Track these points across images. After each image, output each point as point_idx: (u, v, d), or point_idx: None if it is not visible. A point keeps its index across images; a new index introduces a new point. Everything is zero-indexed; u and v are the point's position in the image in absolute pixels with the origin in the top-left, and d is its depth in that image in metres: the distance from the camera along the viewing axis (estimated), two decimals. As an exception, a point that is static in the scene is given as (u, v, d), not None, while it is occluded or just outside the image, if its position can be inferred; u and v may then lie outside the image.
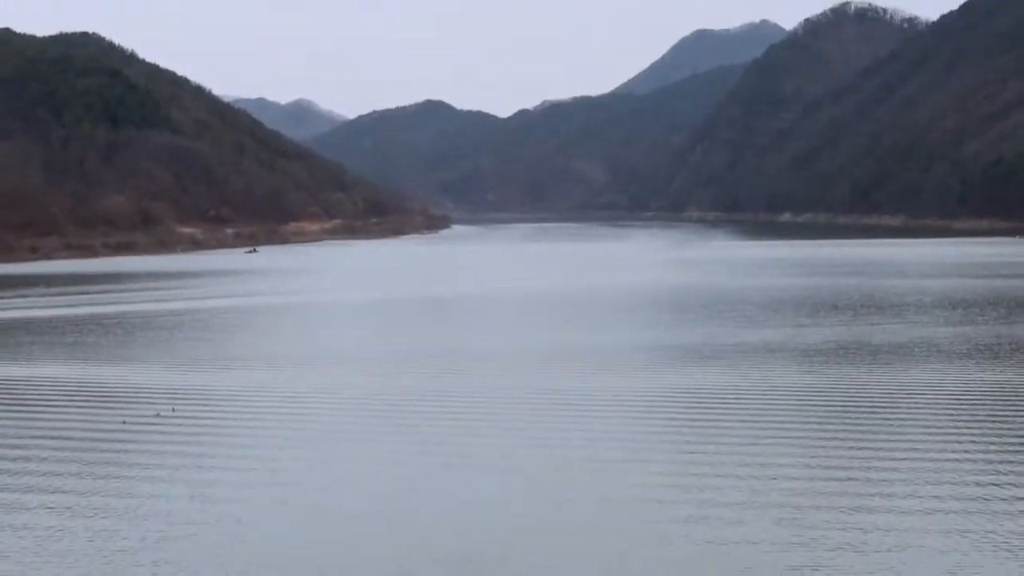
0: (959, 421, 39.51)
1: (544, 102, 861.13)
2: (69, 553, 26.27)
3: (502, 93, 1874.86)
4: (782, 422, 39.86)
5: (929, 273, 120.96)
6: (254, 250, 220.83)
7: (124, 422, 41.83)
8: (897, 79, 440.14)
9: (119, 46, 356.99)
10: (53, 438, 39.24)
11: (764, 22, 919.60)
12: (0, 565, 25.56)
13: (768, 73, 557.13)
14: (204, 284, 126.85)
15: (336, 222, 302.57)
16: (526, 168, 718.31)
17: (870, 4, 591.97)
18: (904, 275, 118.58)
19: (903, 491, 29.95)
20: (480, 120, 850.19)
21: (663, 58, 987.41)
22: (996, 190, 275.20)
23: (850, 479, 31.35)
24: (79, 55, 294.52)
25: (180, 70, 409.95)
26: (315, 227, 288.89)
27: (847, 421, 39.81)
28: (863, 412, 41.42)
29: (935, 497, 29.31)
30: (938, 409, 41.96)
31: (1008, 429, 37.95)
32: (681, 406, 43.59)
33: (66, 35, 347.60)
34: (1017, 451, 34.59)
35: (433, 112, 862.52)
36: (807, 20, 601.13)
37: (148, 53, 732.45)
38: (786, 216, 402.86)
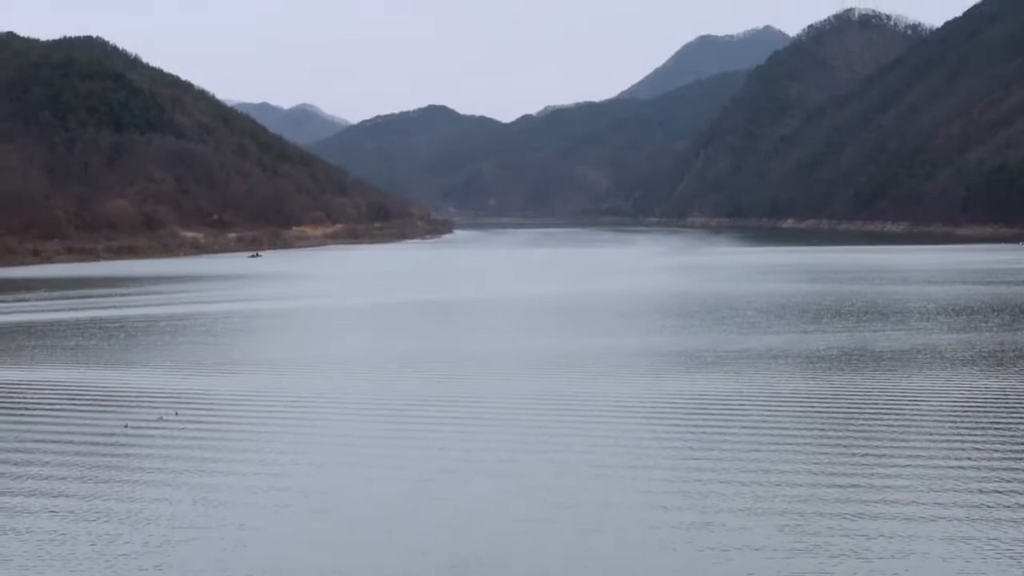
0: (962, 428, 39.44)
1: (547, 107, 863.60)
2: (71, 557, 26.25)
3: (505, 98, 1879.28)
4: (785, 428, 39.80)
5: (932, 280, 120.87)
6: (257, 254, 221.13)
7: (126, 426, 41.80)
8: (901, 85, 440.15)
9: (122, 50, 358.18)
10: (55, 442, 39.20)
11: (768, 28, 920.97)
12: (3, 569, 25.54)
13: (772, 79, 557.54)
14: (207, 288, 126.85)
15: (339, 226, 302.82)
16: (529, 173, 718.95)
17: (874, 10, 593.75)
18: (907, 281, 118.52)
19: (906, 498, 29.89)
20: (483, 125, 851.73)
21: (667, 64, 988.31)
22: (1000, 197, 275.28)
23: (853, 486, 31.30)
24: (83, 59, 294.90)
25: (183, 74, 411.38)
26: (318, 232, 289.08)
27: (850, 427, 39.76)
28: (866, 418, 41.36)
29: (938, 504, 29.26)
30: (941, 416, 41.88)
31: (1011, 436, 37.87)
32: (684, 412, 43.51)
33: (70, 39, 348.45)
34: (1021, 458, 34.52)
35: (436, 117, 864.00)
36: (811, 26, 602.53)
37: (151, 57, 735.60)
38: (789, 222, 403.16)
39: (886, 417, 41.49)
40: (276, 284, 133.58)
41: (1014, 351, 60.03)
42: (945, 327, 73.03)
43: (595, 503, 30.08)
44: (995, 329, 71.11)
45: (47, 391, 51.78)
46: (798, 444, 37.01)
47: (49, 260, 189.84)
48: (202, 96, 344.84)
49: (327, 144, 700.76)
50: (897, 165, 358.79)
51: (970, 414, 42.14)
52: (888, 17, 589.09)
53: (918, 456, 34.86)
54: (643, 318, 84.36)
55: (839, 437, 37.98)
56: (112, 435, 40.38)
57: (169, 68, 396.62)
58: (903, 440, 37.39)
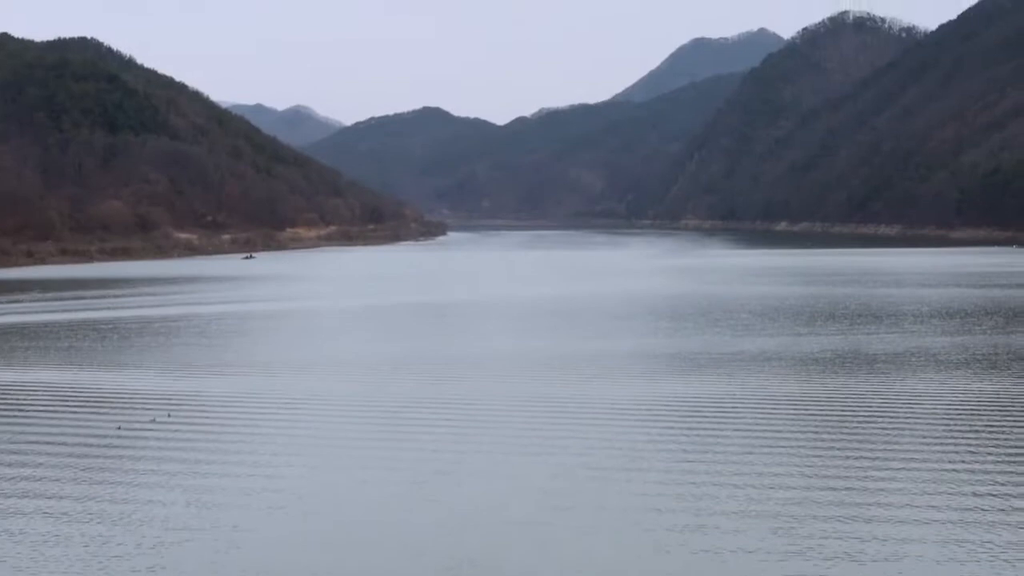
0: (956, 431, 39.47)
1: (541, 109, 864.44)
2: (64, 559, 26.23)
3: (499, 100, 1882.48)
4: (779, 431, 39.81)
5: (926, 282, 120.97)
6: (251, 256, 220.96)
7: (119, 428, 41.74)
8: (895, 88, 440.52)
9: (117, 51, 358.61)
10: (48, 443, 39.14)
11: (762, 31, 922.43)
12: (-5, 571, 25.53)
13: (766, 82, 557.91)
14: (200, 290, 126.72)
15: (333, 228, 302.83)
16: (523, 175, 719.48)
17: (868, 13, 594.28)
18: (901, 284, 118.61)
19: (900, 501, 29.91)
20: (477, 127, 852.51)
21: (661, 66, 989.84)
22: (994, 200, 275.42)
23: (847, 488, 31.31)
24: (77, 60, 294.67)
25: (178, 75, 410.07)
26: (312, 233, 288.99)
27: (844, 430, 39.77)
28: (860, 421, 41.38)
29: (932, 507, 29.28)
30: (935, 419, 41.92)
31: (1005, 439, 37.90)
32: (678, 414, 43.51)
33: (64, 40, 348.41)
34: (1014, 461, 34.56)
35: (430, 118, 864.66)
36: (805, 29, 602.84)
37: (146, 58, 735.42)
38: (783, 225, 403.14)
39: (880, 420, 41.51)
40: (270, 286, 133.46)
41: (1008, 354, 60.09)
42: (939, 330, 73.08)
43: (589, 505, 30.07)
44: (989, 332, 71.17)
45: (40, 392, 51.68)
46: (792, 447, 37.03)
47: (43, 261, 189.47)
48: (196, 97, 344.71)
49: (321, 146, 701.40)
50: (891, 168, 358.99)
51: (964, 417, 42.17)
52: (882, 20, 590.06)
53: (912, 459, 34.88)
54: (637, 320, 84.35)
55: (833, 440, 37.99)
56: (105, 437, 40.33)
57: (164, 69, 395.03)
58: (897, 443, 37.41)
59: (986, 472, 33.06)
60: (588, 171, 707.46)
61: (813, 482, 32.13)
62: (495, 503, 30.58)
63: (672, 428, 40.65)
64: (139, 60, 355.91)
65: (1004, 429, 39.65)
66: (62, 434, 40.93)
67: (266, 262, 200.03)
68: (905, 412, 43.17)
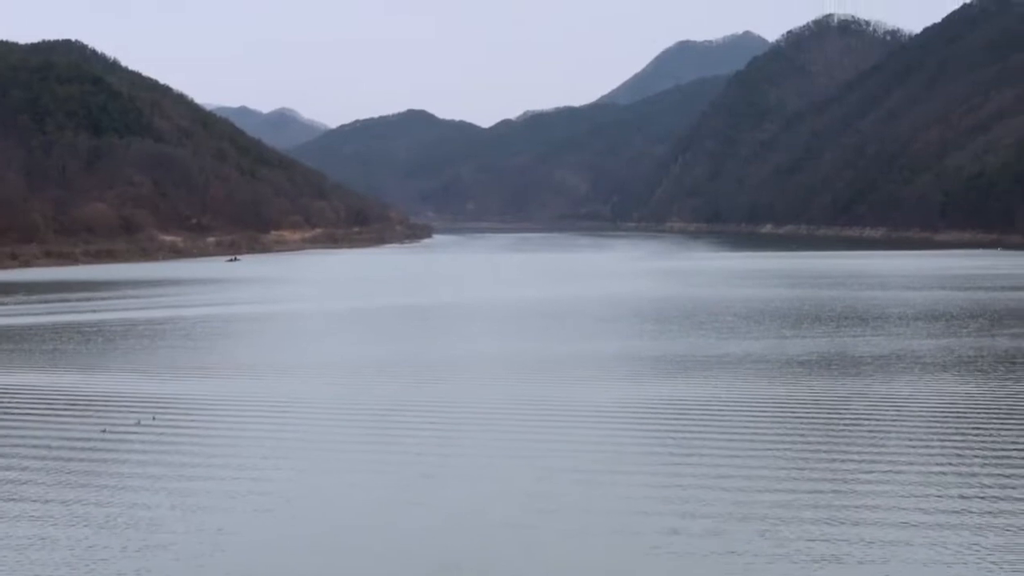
0: (942, 433, 39.52)
1: (526, 112, 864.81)
2: (50, 562, 26.12)
3: (484, 102, 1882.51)
4: (765, 434, 39.81)
5: (911, 285, 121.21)
6: (235, 258, 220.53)
7: (104, 431, 41.59)
8: (880, 91, 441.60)
9: (101, 53, 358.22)
10: (32, 447, 38.98)
11: (747, 34, 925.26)
12: (-21, 574, 25.42)
13: (750, 85, 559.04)
14: (185, 292, 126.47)
15: (318, 231, 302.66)
16: (508, 178, 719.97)
17: (853, 16, 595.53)
18: (886, 287, 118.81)
19: (886, 503, 29.93)
20: (462, 129, 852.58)
21: (646, 69, 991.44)
22: (978, 202, 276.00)
23: (833, 491, 31.31)
24: (61, 62, 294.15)
25: (162, 78, 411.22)
26: (296, 236, 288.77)
27: (830, 433, 39.80)
28: (846, 424, 41.41)
29: (918, 509, 29.30)
30: (921, 421, 41.97)
31: (991, 441, 37.95)
32: (664, 417, 43.49)
33: (48, 42, 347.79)
34: (1000, 462, 34.59)
35: (415, 121, 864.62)
36: (790, 32, 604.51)
37: (130, 61, 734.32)
38: (767, 228, 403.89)
39: (865, 422, 41.54)
40: (255, 288, 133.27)
41: (992, 356, 60.23)
42: (924, 332, 73.21)
43: (575, 508, 30.04)
44: (974, 334, 71.32)
45: (24, 395, 51.50)
46: (777, 449, 37.02)
47: (27, 264, 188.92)
48: (181, 100, 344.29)
49: (306, 148, 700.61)
50: (876, 171, 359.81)
51: (949, 419, 42.25)
52: (867, 23, 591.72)
53: (898, 461, 34.92)
54: (622, 323, 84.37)
55: (818, 442, 38.01)
56: (90, 440, 40.19)
57: (148, 72, 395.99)
58: (883, 445, 37.44)
59: (972, 474, 33.09)
60: (573, 174, 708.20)
61: (799, 484, 32.13)
62: (480, 506, 30.54)
63: (658, 431, 40.63)
64: (123, 62, 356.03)
65: (990, 431, 39.70)
66: (46, 437, 40.75)
67: (251, 265, 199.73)
68: (891, 414, 43.21)
